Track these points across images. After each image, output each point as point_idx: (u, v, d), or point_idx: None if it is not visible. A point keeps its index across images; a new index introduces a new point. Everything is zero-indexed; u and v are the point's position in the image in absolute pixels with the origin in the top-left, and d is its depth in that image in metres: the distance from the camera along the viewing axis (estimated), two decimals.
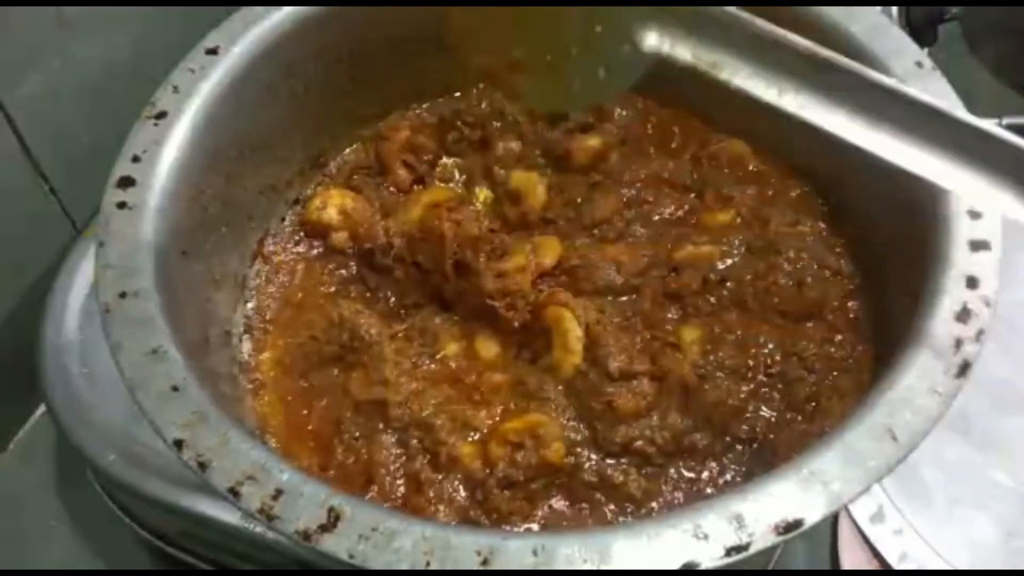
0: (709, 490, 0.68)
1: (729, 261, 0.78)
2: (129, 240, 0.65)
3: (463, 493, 0.68)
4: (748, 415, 0.70)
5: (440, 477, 0.68)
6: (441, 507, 0.67)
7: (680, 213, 0.83)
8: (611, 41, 0.59)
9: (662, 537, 0.51)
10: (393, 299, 0.79)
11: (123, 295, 0.62)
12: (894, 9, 1.09)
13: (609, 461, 0.69)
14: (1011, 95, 1.23)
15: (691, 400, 0.70)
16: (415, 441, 0.69)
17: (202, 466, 0.55)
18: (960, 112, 0.53)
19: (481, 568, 0.50)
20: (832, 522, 0.88)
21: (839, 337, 0.73)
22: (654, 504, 0.67)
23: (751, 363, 0.72)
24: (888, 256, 0.73)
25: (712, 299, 0.76)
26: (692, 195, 0.84)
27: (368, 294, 0.80)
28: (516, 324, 0.74)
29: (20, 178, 0.93)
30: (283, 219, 0.85)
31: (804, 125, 0.82)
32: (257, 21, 0.77)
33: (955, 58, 1.26)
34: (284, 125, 0.82)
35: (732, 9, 0.56)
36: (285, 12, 0.78)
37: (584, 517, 0.67)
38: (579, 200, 0.83)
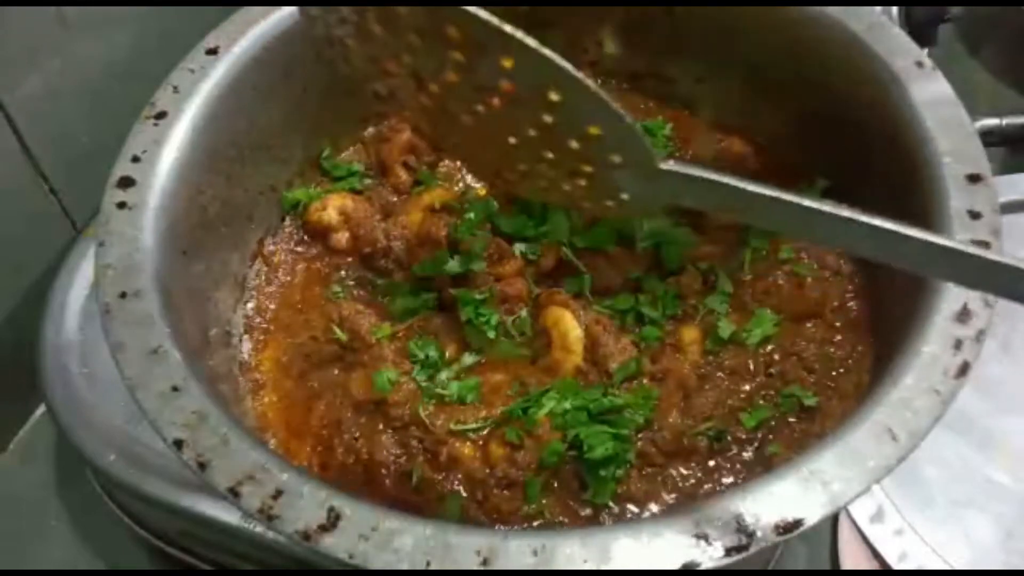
0: (709, 490, 0.68)
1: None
2: (129, 240, 0.65)
3: (463, 493, 0.68)
4: (748, 415, 0.70)
5: (440, 477, 0.68)
6: (441, 507, 0.67)
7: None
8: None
9: (662, 537, 0.51)
10: (393, 300, 0.79)
11: (123, 295, 0.62)
12: (894, 9, 1.09)
13: None
14: (1011, 95, 1.23)
15: (691, 400, 0.70)
16: (415, 441, 0.69)
17: (202, 466, 0.55)
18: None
19: (481, 568, 0.50)
20: (832, 522, 0.88)
21: (839, 337, 0.73)
22: (654, 504, 0.67)
23: (751, 363, 0.73)
24: None
25: (712, 299, 0.76)
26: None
27: (368, 294, 0.80)
28: (516, 334, 0.74)
29: (20, 178, 0.93)
30: (283, 219, 0.85)
31: (805, 127, 0.83)
32: (257, 21, 0.78)
33: (955, 58, 1.26)
34: (284, 125, 0.82)
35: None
36: (285, 12, 0.78)
37: (584, 517, 0.67)
38: None
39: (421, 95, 0.56)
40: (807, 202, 0.48)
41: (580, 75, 0.49)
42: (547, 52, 0.48)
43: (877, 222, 0.46)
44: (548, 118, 0.52)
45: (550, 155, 0.55)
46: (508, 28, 0.48)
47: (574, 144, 0.53)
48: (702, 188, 0.50)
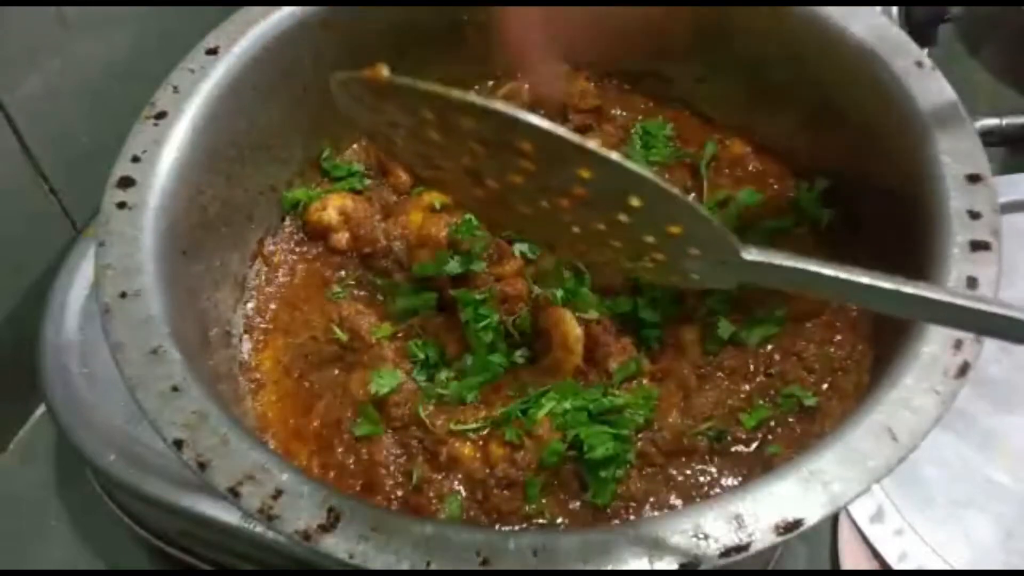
0: (709, 490, 0.68)
1: None
2: (129, 240, 0.65)
3: (463, 493, 0.68)
4: (748, 415, 0.70)
5: (440, 477, 0.68)
6: (441, 507, 0.67)
7: None
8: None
9: (662, 537, 0.51)
10: (393, 300, 0.79)
11: (123, 295, 0.62)
12: (894, 9, 1.09)
13: None
14: (1011, 95, 1.23)
15: (691, 400, 0.70)
16: (415, 441, 0.69)
17: (202, 466, 0.55)
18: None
19: (481, 568, 0.50)
20: (832, 522, 0.88)
21: (839, 337, 0.73)
22: (654, 504, 0.67)
23: (751, 363, 0.73)
24: (888, 256, 0.73)
25: (712, 299, 0.76)
26: (691, 196, 0.84)
27: (368, 294, 0.80)
28: (516, 336, 0.74)
29: (20, 178, 0.93)
30: (283, 219, 0.85)
31: (805, 127, 0.83)
32: (257, 21, 0.78)
33: (955, 58, 1.26)
34: (284, 125, 0.82)
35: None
36: (285, 12, 0.78)
37: (584, 517, 0.67)
38: None
39: (475, 189, 0.53)
40: (906, 288, 0.46)
41: (665, 184, 0.47)
42: (631, 166, 0.46)
43: (974, 305, 0.45)
44: (624, 218, 0.49)
45: (618, 244, 0.53)
46: (591, 145, 0.45)
47: (649, 239, 0.51)
48: (784, 274, 0.48)
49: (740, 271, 0.50)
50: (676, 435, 0.68)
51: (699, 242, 0.50)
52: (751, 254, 0.49)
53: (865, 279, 0.46)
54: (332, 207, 0.83)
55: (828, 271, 0.47)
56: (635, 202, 0.48)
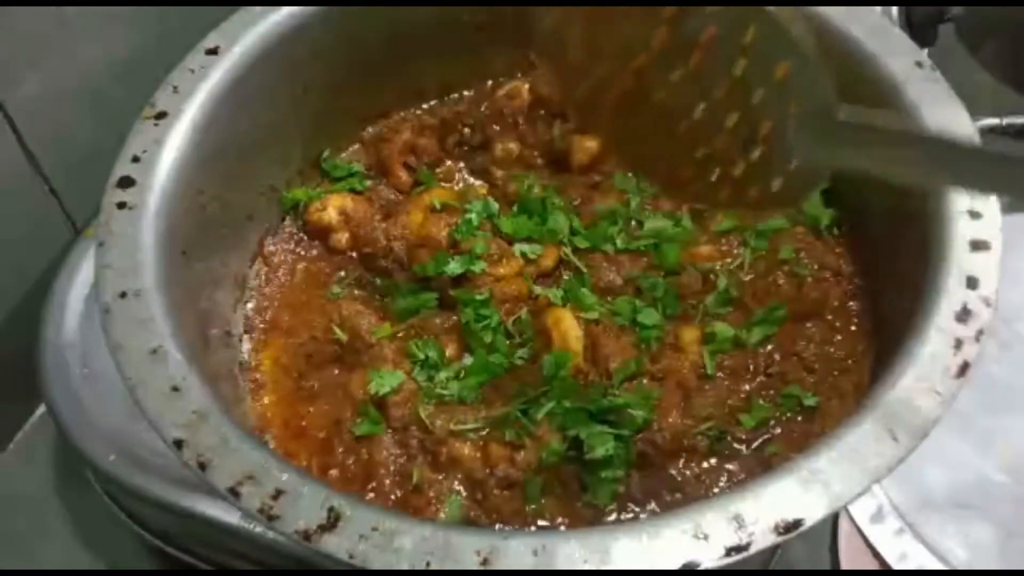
0: (709, 490, 0.68)
1: (729, 261, 0.78)
2: (129, 240, 0.65)
3: (463, 493, 0.68)
4: (748, 415, 0.70)
5: (440, 477, 0.68)
6: (441, 507, 0.67)
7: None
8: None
9: (662, 537, 0.51)
10: (393, 300, 0.79)
11: (123, 295, 0.62)
12: (894, 9, 1.09)
13: None
14: (1011, 95, 1.23)
15: (691, 400, 0.70)
16: (415, 441, 0.69)
17: (202, 466, 0.55)
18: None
19: (481, 568, 0.50)
20: (832, 522, 0.88)
21: (839, 337, 0.73)
22: (654, 504, 0.67)
23: (751, 363, 0.73)
24: (888, 256, 0.73)
25: (712, 299, 0.76)
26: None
27: (368, 294, 0.80)
28: (516, 336, 0.74)
29: (20, 178, 0.93)
30: (283, 219, 0.85)
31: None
32: (257, 21, 0.77)
33: (955, 58, 1.26)
34: (284, 125, 0.82)
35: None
36: (285, 12, 0.78)
37: (584, 518, 0.67)
38: (578, 200, 0.83)
39: (624, 76, 0.57)
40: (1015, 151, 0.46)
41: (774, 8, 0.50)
42: None
43: None
44: (741, 64, 0.53)
45: (733, 119, 0.55)
46: None
47: (759, 95, 0.54)
48: (877, 141, 0.50)
49: (835, 142, 0.51)
50: (676, 435, 0.68)
51: (801, 87, 0.52)
52: (844, 112, 0.51)
53: (958, 140, 0.47)
54: (332, 207, 0.83)
55: (924, 131, 0.48)
56: (750, 36, 0.52)
